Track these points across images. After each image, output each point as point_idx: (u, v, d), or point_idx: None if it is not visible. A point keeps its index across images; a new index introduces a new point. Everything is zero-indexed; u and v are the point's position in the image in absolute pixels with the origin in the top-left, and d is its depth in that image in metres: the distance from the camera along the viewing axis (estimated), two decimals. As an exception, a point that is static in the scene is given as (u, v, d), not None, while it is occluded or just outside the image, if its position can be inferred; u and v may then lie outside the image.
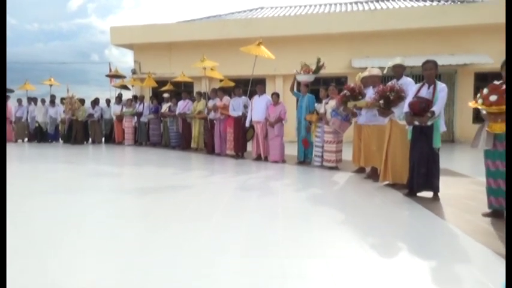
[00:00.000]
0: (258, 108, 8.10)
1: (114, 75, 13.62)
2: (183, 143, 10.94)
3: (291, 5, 23.22)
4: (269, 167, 7.55)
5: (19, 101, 13.94)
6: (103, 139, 13.41)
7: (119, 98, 13.05)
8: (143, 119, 12.15)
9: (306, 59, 7.70)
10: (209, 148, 9.58)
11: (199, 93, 10.78)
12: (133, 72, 15.37)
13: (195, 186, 5.76)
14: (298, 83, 7.84)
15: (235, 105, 8.57)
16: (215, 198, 4.94)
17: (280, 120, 7.80)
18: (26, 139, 13.96)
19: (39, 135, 13.57)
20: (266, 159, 8.20)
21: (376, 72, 5.90)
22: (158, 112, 11.83)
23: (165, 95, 12.00)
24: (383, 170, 5.27)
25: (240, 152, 8.67)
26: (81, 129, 12.78)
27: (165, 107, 11.65)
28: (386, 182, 5.35)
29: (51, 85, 13.85)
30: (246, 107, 8.45)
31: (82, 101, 13.21)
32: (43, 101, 13.61)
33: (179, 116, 10.88)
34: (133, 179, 6.65)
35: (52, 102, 13.47)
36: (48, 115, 13.39)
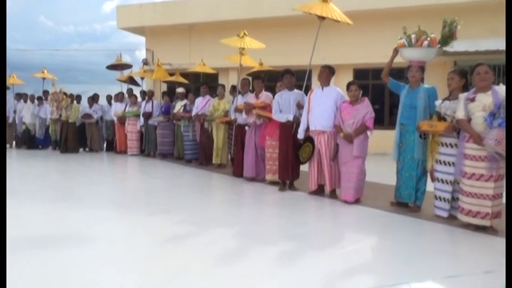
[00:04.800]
0: (320, 109, 4.84)
1: (116, 66, 10.66)
2: (202, 157, 7.82)
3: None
4: (342, 214, 4.29)
5: (2, 97, 11.27)
6: (104, 146, 10.54)
7: (121, 95, 10.11)
8: (152, 121, 9.13)
9: (372, 44, 4.42)
10: (237, 168, 6.39)
11: (223, 86, 7.63)
12: (145, 62, 12.44)
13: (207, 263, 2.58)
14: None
15: (282, 104, 5.31)
16: None
17: (364, 129, 4.50)
18: (14, 144, 11.31)
19: (27, 140, 10.85)
20: (333, 195, 4.91)
21: None
22: (170, 113, 8.78)
23: (179, 90, 8.92)
24: None
25: (288, 179, 5.41)
26: (73, 134, 9.92)
27: (178, 106, 8.58)
28: None
29: (44, 78, 11.09)
30: (300, 107, 5.19)
31: (77, 98, 10.37)
32: (32, 98, 10.88)
33: (196, 118, 7.76)
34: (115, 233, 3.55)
35: (40, 99, 10.71)
36: (37, 115, 10.65)
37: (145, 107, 9.23)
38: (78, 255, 2.94)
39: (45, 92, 10.84)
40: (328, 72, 4.90)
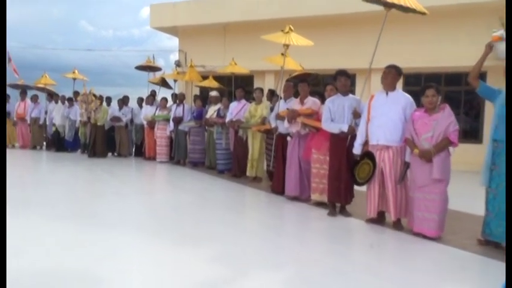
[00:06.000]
0: (384, 119, 3.93)
1: (145, 67, 10.13)
2: (235, 168, 7.06)
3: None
4: (415, 254, 3.35)
5: (34, 98, 11.06)
6: (133, 150, 10.04)
7: (152, 97, 9.57)
8: (182, 127, 8.50)
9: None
10: (277, 184, 5.56)
11: (261, 90, 6.85)
12: (177, 64, 11.89)
13: None
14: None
15: (335, 111, 4.44)
16: None
17: (446, 145, 3.54)
18: (45, 145, 11.06)
19: (57, 142, 10.55)
20: (398, 225, 3.98)
21: None
22: (202, 118, 8.11)
23: (213, 94, 8.24)
24: None
25: (339, 203, 4.52)
26: (101, 137, 9.47)
27: (211, 111, 7.90)
28: None
29: (74, 79, 10.77)
30: (356, 115, 4.30)
31: (107, 100, 9.95)
32: (63, 100, 10.56)
33: (230, 125, 7.02)
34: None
35: (70, 100, 10.37)
36: (67, 117, 10.31)
37: (175, 111, 8.62)
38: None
39: (76, 93, 10.51)
40: (394, 74, 4.00)
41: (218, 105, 7.85)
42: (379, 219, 4.13)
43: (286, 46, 5.36)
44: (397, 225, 3.96)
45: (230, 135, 7.22)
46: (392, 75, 3.98)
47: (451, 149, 3.57)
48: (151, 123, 8.98)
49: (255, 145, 6.58)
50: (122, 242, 3.42)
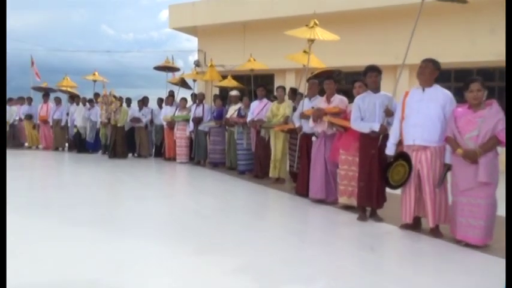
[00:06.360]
0: (421, 117, 3.62)
1: (165, 67, 10.02)
2: (257, 168, 6.84)
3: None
4: (464, 266, 3.03)
5: (57, 99, 11.17)
6: (153, 151, 9.96)
7: (171, 98, 9.46)
8: (202, 127, 8.35)
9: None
10: (301, 186, 5.30)
11: (283, 88, 6.60)
12: (197, 64, 11.79)
13: None
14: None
15: (365, 110, 4.16)
16: None
17: (494, 145, 3.21)
18: (67, 147, 11.14)
19: (78, 143, 10.59)
20: (436, 232, 3.66)
21: None
22: (222, 118, 7.93)
23: (233, 93, 8.05)
24: None
25: (370, 207, 4.23)
26: (121, 138, 9.43)
27: (232, 111, 7.70)
28: None
29: (94, 80, 10.79)
30: (389, 113, 4.00)
31: (127, 101, 9.91)
32: (84, 101, 10.60)
33: (251, 125, 6.81)
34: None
35: (90, 102, 10.38)
36: (87, 119, 10.33)
37: (195, 111, 8.47)
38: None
39: (96, 95, 10.53)
40: (432, 68, 3.67)
41: (239, 105, 7.65)
42: (414, 225, 3.82)
43: (311, 41, 5.08)
44: (436, 232, 3.65)
45: (252, 135, 7.00)
46: (430, 70, 3.66)
47: (499, 148, 3.24)
48: (171, 124, 8.87)
49: (277, 145, 6.34)
50: (140, 250, 3.24)
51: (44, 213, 4.39)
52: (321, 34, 4.95)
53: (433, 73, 3.66)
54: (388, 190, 4.14)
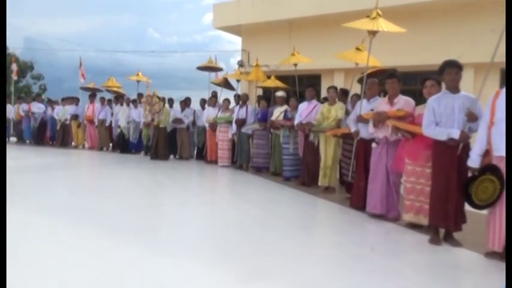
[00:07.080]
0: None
1: (207, 68, 9.74)
2: (304, 175, 6.32)
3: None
4: None
5: (102, 100, 11.29)
6: (194, 154, 9.72)
7: (214, 99, 9.16)
8: (245, 129, 7.95)
9: None
10: (357, 198, 4.71)
11: (335, 89, 6.02)
12: (240, 64, 11.46)
13: None
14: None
15: (441, 113, 3.50)
16: None
17: None
18: (111, 147, 11.22)
19: (121, 143, 10.61)
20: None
21: None
22: (267, 120, 7.49)
23: (279, 94, 7.58)
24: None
25: (446, 228, 3.56)
26: (163, 140, 9.27)
27: (277, 113, 7.23)
28: None
29: (138, 81, 10.77)
30: (472, 118, 3.33)
31: (170, 102, 9.75)
32: (127, 101, 10.61)
33: (299, 128, 6.29)
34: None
35: (134, 102, 10.35)
36: (131, 119, 10.31)
37: (238, 112, 8.09)
38: None
39: (140, 95, 10.49)
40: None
41: (284, 107, 7.18)
42: (505, 253, 3.12)
43: (372, 35, 4.47)
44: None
45: (299, 139, 6.50)
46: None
47: None
48: (213, 126, 8.56)
49: (328, 151, 5.78)
50: (177, 273, 2.84)
51: (81, 219, 4.15)
52: (385, 25, 4.34)
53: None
54: (467, 207, 3.46)
